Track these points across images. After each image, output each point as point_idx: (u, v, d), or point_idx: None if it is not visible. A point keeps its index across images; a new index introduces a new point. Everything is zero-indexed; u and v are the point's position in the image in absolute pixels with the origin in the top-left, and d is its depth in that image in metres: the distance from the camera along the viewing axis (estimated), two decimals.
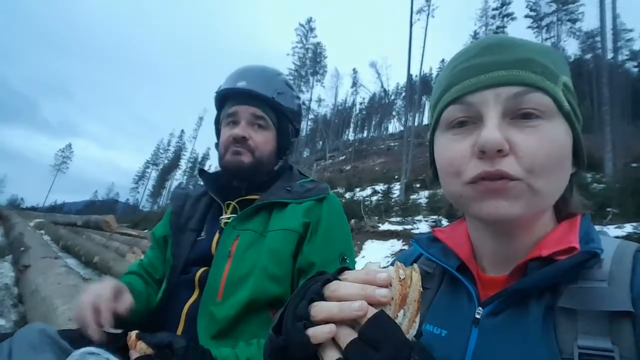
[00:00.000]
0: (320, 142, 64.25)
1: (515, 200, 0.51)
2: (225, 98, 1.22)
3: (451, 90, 0.58)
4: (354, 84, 67.87)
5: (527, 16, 38.12)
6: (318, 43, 53.69)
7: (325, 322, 0.43)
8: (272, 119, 1.20)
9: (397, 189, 19.30)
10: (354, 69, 68.42)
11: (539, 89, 0.52)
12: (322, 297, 0.46)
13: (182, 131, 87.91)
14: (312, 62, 52.70)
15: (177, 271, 1.12)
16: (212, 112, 1.31)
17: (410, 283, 0.44)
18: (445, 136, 0.59)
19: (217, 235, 1.13)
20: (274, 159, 1.23)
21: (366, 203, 15.46)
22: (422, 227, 11.16)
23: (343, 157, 50.60)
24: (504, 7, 39.65)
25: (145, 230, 13.44)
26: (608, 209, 8.56)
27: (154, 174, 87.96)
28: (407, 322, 0.43)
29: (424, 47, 31.34)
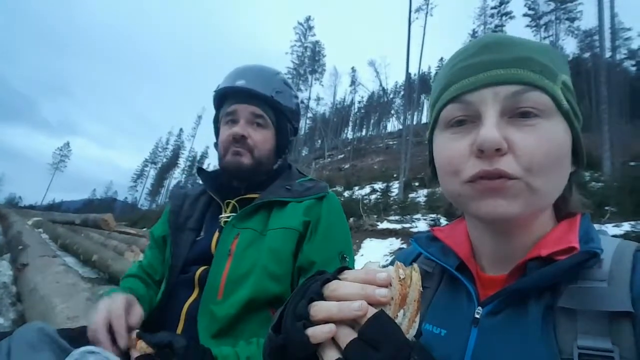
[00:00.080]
0: (319, 141, 64.16)
1: (513, 199, 0.51)
2: (224, 97, 1.22)
3: (450, 89, 0.58)
4: (353, 82, 67.75)
5: (525, 15, 38.10)
6: (317, 41, 53.59)
7: (325, 321, 0.43)
8: (271, 118, 1.20)
9: (395, 187, 19.30)
10: (352, 68, 68.30)
11: (537, 87, 0.52)
12: (321, 297, 0.46)
13: (181, 130, 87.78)
14: (311, 60, 52.57)
15: (176, 271, 1.11)
16: (211, 110, 1.30)
17: (410, 283, 0.44)
18: (444, 135, 0.59)
19: (216, 234, 1.13)
20: (273, 157, 1.23)
21: (365, 202, 15.48)
22: (421, 225, 11.18)
23: (342, 156, 50.57)
24: (502, 6, 39.58)
25: (144, 229, 13.41)
26: (606, 208, 8.59)
27: (152, 172, 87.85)
28: (407, 322, 0.43)
29: (422, 45, 31.40)
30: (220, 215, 1.17)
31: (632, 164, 14.67)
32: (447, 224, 0.75)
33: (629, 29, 39.58)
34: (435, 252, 0.67)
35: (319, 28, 54.50)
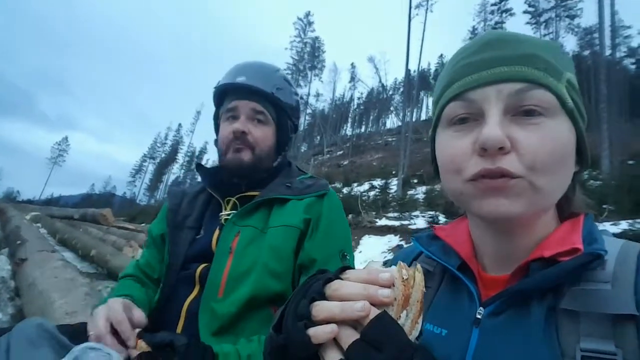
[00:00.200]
0: (318, 137, 64.08)
1: (516, 198, 0.50)
2: (225, 93, 1.22)
3: (453, 87, 0.57)
4: (352, 78, 67.61)
5: (525, 12, 37.94)
6: (316, 37, 53.27)
7: (327, 322, 0.43)
8: (272, 114, 1.19)
9: (394, 184, 19.35)
10: (352, 64, 68.40)
11: (541, 85, 0.51)
12: (323, 297, 0.46)
13: (180, 125, 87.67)
14: (310, 56, 52.33)
15: (173, 269, 1.11)
16: (210, 106, 1.30)
17: (413, 283, 0.44)
18: (447, 133, 0.58)
19: (217, 232, 1.12)
20: (273, 154, 1.22)
21: (363, 198, 15.51)
22: (419, 222, 11.22)
23: (341, 152, 50.60)
24: (502, 3, 39.52)
25: (143, 224, 13.42)
26: (604, 206, 8.61)
27: (151, 167, 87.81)
28: (410, 323, 0.42)
29: (422, 42, 31.36)
30: (221, 213, 1.17)
31: (630, 162, 14.72)
32: (448, 222, 0.74)
33: (629, 27, 39.63)
34: (437, 251, 0.67)
35: (318, 24, 54.13)
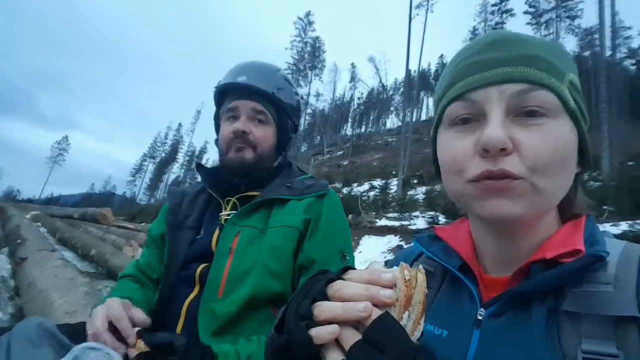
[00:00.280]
0: (318, 137, 64.04)
1: (518, 199, 0.50)
2: (225, 93, 1.22)
3: (454, 87, 0.57)
4: (353, 78, 67.65)
5: (526, 12, 37.93)
6: (317, 37, 53.19)
7: (329, 322, 0.43)
8: (272, 114, 1.19)
9: (394, 184, 19.34)
10: (352, 64, 68.32)
11: (544, 86, 0.51)
12: (325, 297, 0.46)
13: (180, 124, 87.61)
14: (311, 56, 52.28)
15: (173, 269, 1.11)
16: (210, 105, 1.31)
17: (416, 284, 0.44)
18: (448, 133, 0.58)
19: (217, 232, 1.12)
20: (273, 154, 1.22)
21: (363, 198, 15.49)
22: (419, 222, 11.22)
23: (341, 152, 50.56)
24: (503, 3, 39.50)
25: (143, 224, 13.40)
26: (604, 207, 8.61)
27: (151, 167, 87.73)
28: (412, 324, 0.42)
29: (422, 42, 31.41)
30: (221, 213, 1.17)
31: (630, 163, 14.71)
32: (449, 223, 0.74)
33: (629, 28, 39.58)
34: (437, 251, 0.67)
35: (319, 23, 54.06)
